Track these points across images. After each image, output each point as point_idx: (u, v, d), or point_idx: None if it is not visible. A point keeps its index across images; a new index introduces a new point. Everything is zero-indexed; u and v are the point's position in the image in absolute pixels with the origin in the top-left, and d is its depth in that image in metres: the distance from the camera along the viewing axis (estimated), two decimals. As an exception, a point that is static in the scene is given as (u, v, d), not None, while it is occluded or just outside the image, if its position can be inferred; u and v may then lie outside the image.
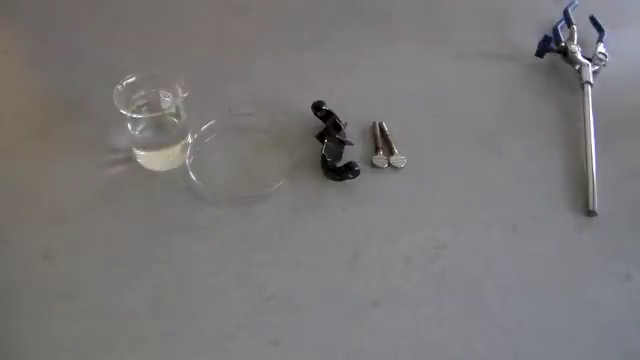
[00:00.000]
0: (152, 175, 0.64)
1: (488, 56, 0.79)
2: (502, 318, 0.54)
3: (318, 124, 0.67)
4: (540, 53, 0.77)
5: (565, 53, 0.76)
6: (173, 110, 0.63)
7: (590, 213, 0.61)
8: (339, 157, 0.65)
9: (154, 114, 0.63)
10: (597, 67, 0.75)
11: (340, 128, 0.66)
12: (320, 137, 0.65)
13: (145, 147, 0.65)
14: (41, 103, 0.74)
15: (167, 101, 0.63)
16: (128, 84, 0.61)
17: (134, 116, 0.61)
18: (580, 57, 0.75)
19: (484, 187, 0.64)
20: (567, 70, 0.76)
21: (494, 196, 0.63)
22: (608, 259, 0.58)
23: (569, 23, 0.81)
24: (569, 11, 0.82)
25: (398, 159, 0.65)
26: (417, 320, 0.53)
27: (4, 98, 0.74)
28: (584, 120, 0.68)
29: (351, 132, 0.67)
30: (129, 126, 0.62)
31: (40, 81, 0.77)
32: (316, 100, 0.68)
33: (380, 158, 0.65)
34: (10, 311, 0.54)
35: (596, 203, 0.61)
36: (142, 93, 0.63)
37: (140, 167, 0.65)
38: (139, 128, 0.63)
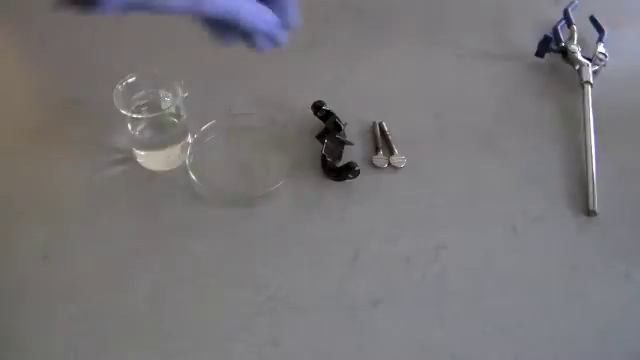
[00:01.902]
0: (152, 175, 0.64)
1: (488, 56, 0.79)
2: (502, 318, 0.54)
3: (318, 124, 0.67)
4: (540, 53, 0.77)
5: (565, 53, 0.76)
6: (173, 110, 0.63)
7: (590, 213, 0.61)
8: (339, 157, 0.65)
9: (154, 114, 0.63)
10: (597, 67, 0.75)
11: (340, 128, 0.66)
12: (320, 137, 0.65)
13: (145, 147, 0.65)
14: (41, 103, 0.74)
15: (167, 101, 0.63)
16: (128, 84, 0.61)
17: (134, 116, 0.61)
18: (580, 57, 0.75)
19: (484, 187, 0.64)
20: (567, 70, 0.76)
21: (494, 196, 0.63)
22: (608, 259, 0.58)
23: (569, 23, 0.81)
24: (569, 11, 0.82)
25: (398, 159, 0.65)
26: (417, 320, 0.53)
27: (4, 98, 0.74)
28: (584, 120, 0.68)
29: (351, 132, 0.67)
30: (129, 126, 0.62)
31: (40, 81, 0.77)
32: (316, 100, 0.68)
33: (380, 158, 0.65)
34: (10, 311, 0.54)
35: (596, 203, 0.61)
36: (142, 93, 0.63)
37: (140, 167, 0.65)
38: (139, 128, 0.63)
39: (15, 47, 0.82)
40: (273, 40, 0.46)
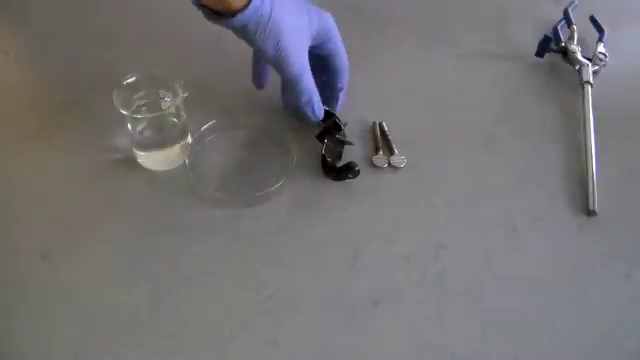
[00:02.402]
0: (152, 175, 0.64)
1: (488, 56, 0.79)
2: (502, 318, 0.54)
3: (318, 124, 0.67)
4: (540, 53, 0.77)
5: (565, 53, 0.76)
6: (173, 110, 0.63)
7: (590, 213, 0.61)
8: (339, 157, 0.65)
9: (154, 114, 0.63)
10: (597, 67, 0.75)
11: (340, 128, 0.66)
12: (320, 137, 0.65)
13: (145, 147, 0.65)
14: (41, 103, 0.74)
15: (167, 101, 0.63)
16: (128, 84, 0.61)
17: (134, 116, 0.61)
18: (580, 57, 0.75)
19: (484, 187, 0.64)
20: (567, 70, 0.76)
21: (494, 196, 0.63)
22: (608, 259, 0.58)
23: (569, 23, 0.81)
24: (569, 11, 0.82)
25: (398, 159, 0.65)
26: (417, 320, 0.53)
27: (4, 98, 0.74)
28: (584, 120, 0.68)
29: (351, 132, 0.67)
30: (129, 126, 0.62)
31: (40, 81, 0.77)
32: (316, 100, 0.68)
33: (380, 158, 0.65)
34: (10, 311, 0.54)
35: (596, 203, 0.61)
36: (142, 93, 0.63)
37: (140, 167, 0.65)
38: (139, 128, 0.64)
39: (15, 47, 0.82)
40: (305, 114, 0.63)
